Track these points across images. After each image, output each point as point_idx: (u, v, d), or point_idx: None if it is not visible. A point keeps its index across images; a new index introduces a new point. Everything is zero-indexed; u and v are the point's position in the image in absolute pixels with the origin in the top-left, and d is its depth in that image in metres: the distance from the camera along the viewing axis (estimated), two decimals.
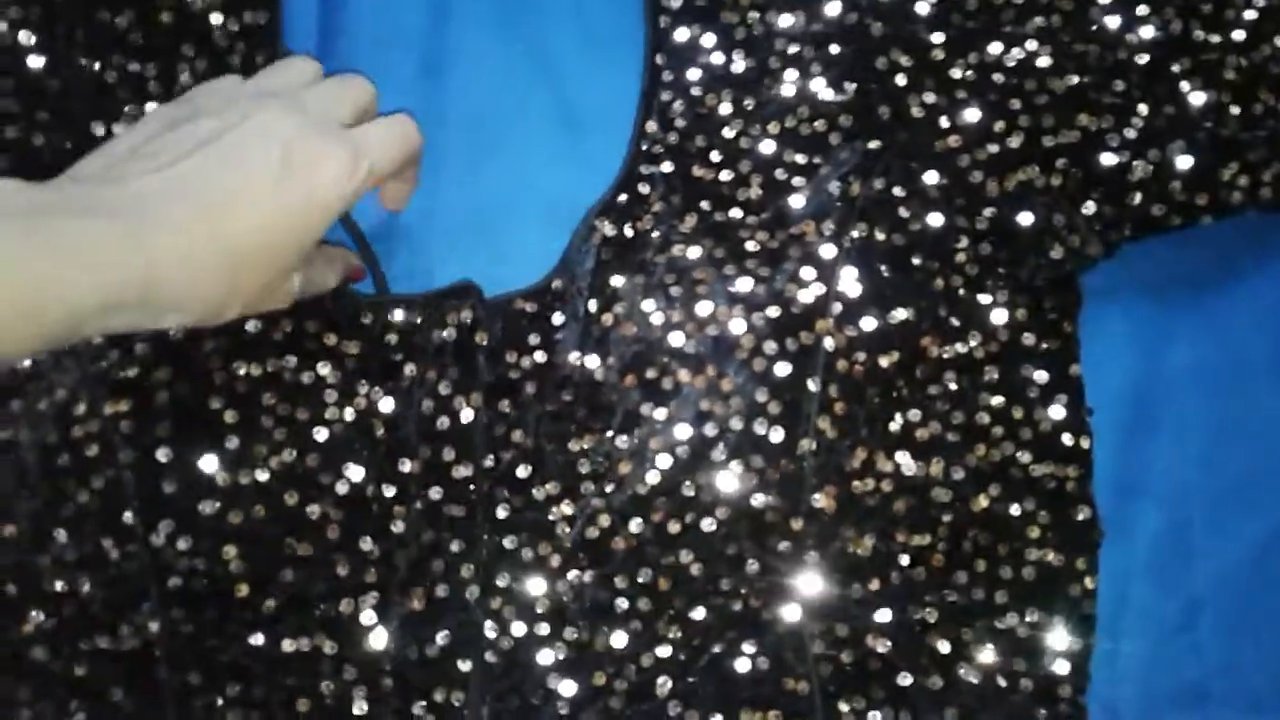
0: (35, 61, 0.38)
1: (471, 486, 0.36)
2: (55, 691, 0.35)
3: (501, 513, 0.36)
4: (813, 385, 0.36)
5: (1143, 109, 0.38)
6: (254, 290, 0.31)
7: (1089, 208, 0.38)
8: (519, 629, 0.35)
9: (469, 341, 0.36)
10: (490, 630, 0.35)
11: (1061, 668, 0.36)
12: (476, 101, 0.41)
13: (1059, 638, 0.36)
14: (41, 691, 0.35)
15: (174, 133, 0.31)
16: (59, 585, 0.35)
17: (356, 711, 0.35)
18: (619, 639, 0.35)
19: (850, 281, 0.37)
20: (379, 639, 0.35)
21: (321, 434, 0.35)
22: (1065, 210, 0.38)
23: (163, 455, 0.35)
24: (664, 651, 0.35)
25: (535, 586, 0.35)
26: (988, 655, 0.36)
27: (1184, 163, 0.37)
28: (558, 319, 0.37)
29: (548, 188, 0.40)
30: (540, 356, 0.37)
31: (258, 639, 0.34)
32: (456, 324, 0.37)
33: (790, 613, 0.36)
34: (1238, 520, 0.39)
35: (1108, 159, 0.37)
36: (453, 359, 0.36)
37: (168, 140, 0.31)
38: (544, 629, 0.35)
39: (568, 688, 0.35)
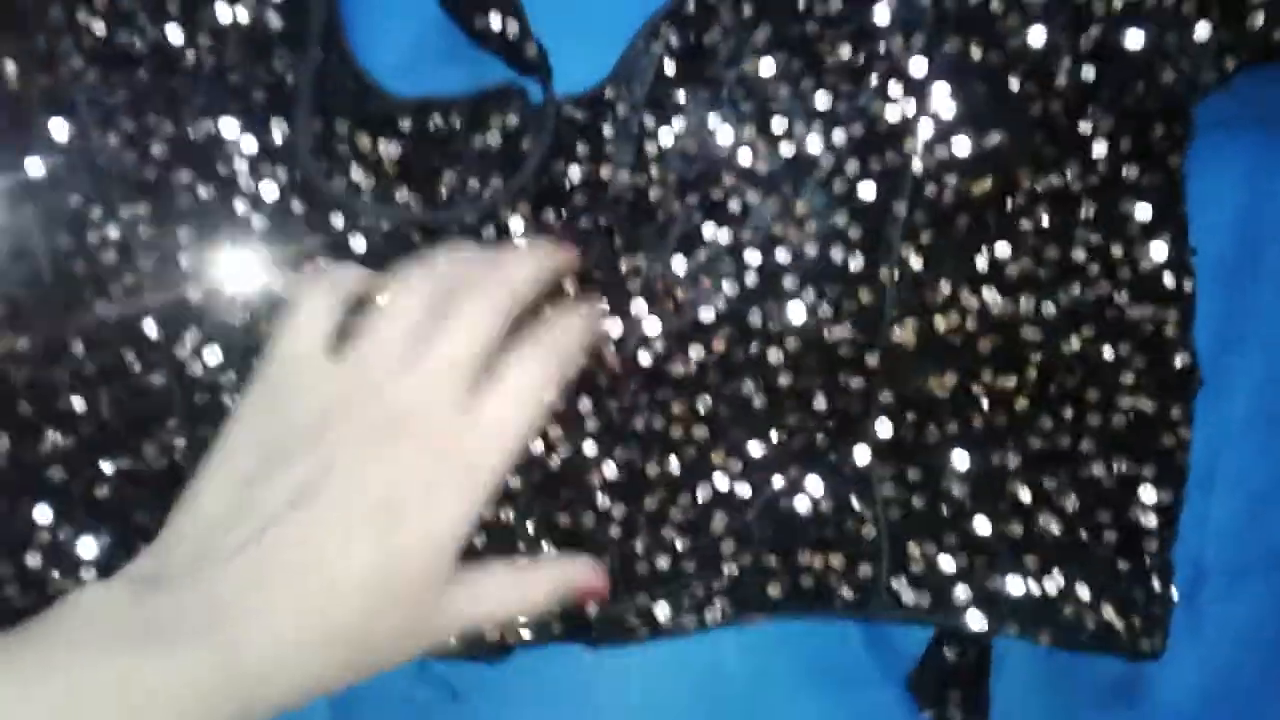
0: None
1: None
2: (75, 514, 0.34)
3: None
4: (899, 210, 0.34)
5: None
6: (372, 657, 0.28)
7: (1203, 30, 0.35)
8: (567, 448, 0.34)
9: (514, 148, 0.34)
10: (537, 447, 0.34)
11: (1149, 521, 0.35)
12: None
13: (1148, 490, 0.35)
14: (61, 514, 0.34)
15: (261, 488, 0.28)
16: (77, 403, 0.33)
17: None
18: (672, 465, 0.34)
19: (942, 100, 0.35)
20: None
21: (358, 243, 0.34)
22: (1178, 31, 0.35)
23: (185, 261, 0.33)
24: (721, 483, 0.34)
25: (583, 404, 0.34)
26: (1070, 505, 0.35)
27: None
28: (608, 130, 0.35)
29: (602, 2, 0.38)
30: (589, 168, 0.35)
31: None
32: (501, 129, 0.35)
33: (859, 454, 0.34)
34: None
35: None
36: (497, 166, 0.34)
37: (255, 499, 0.28)
38: (592, 449, 0.34)
39: (619, 510, 0.34)
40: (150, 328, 0.33)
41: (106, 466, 0.34)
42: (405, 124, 0.35)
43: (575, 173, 0.35)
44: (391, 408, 0.29)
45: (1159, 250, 0.35)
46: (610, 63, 0.37)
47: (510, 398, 0.30)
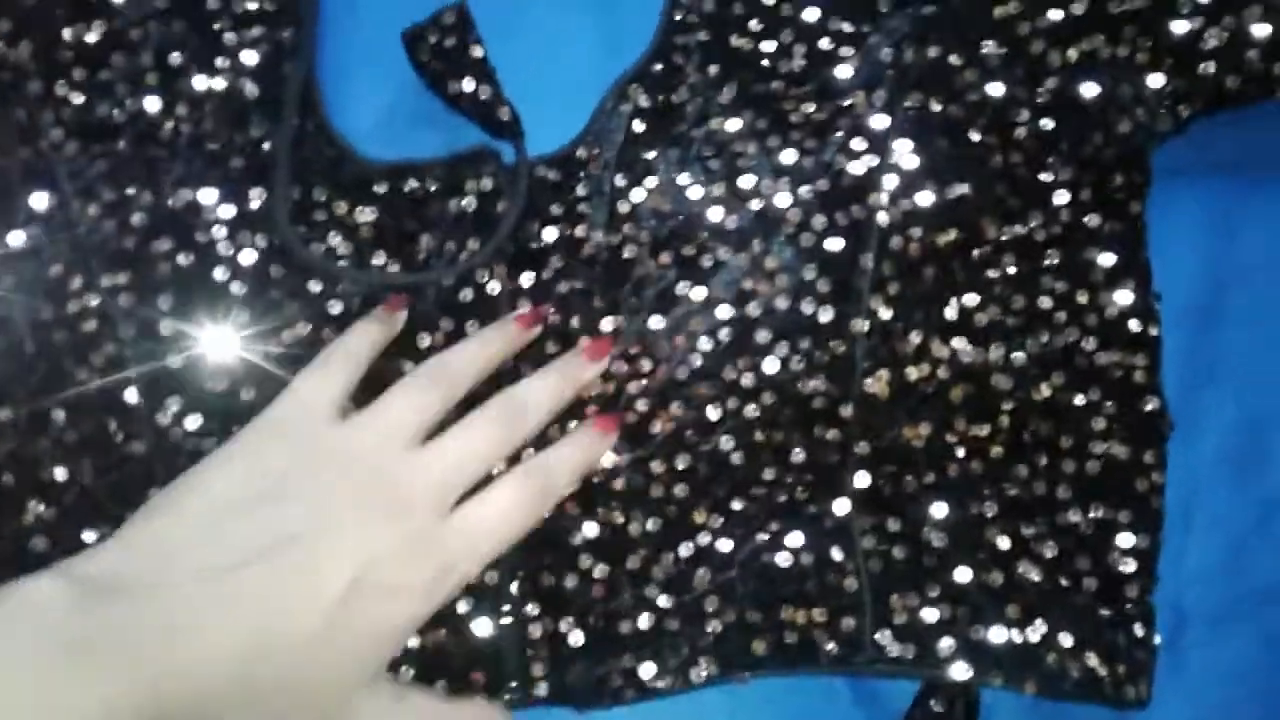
0: None
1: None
2: None
3: None
4: (866, 262, 0.35)
5: None
6: None
7: (1158, 79, 0.37)
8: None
9: (490, 210, 0.35)
10: None
11: (1127, 566, 0.36)
12: None
13: (1125, 535, 0.35)
14: None
15: (243, 520, 0.29)
16: (59, 473, 0.34)
17: None
18: (654, 524, 0.34)
19: (905, 154, 0.36)
20: None
21: (335, 307, 0.34)
22: (1132, 82, 0.37)
23: (166, 329, 0.34)
24: (703, 540, 0.35)
25: None
26: (1049, 552, 0.35)
27: (1260, 30, 0.36)
28: (581, 190, 0.36)
29: (572, 61, 0.39)
30: (564, 228, 0.36)
31: None
32: (476, 191, 0.36)
33: (839, 506, 0.35)
34: None
35: (1178, 26, 0.37)
36: (472, 228, 0.35)
37: (235, 530, 0.29)
38: (574, 508, 0.35)
39: (601, 570, 0.34)
40: (131, 396, 0.34)
41: (89, 536, 0.34)
42: (381, 188, 0.37)
43: (550, 233, 0.36)
44: (387, 486, 0.30)
45: (1124, 296, 0.37)
46: (581, 123, 0.38)
47: (494, 515, 0.31)
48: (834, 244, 0.35)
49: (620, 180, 0.36)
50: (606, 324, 0.35)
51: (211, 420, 0.34)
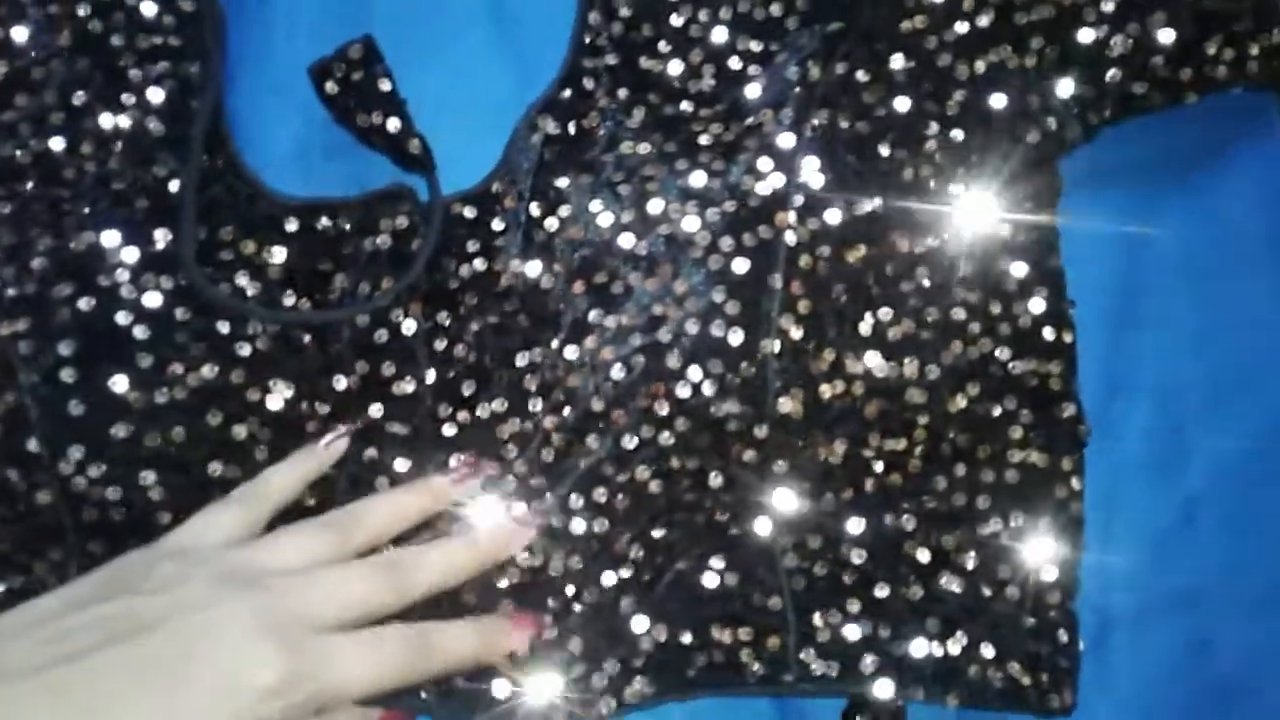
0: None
1: (415, 403, 0.35)
2: None
3: (448, 430, 0.35)
4: (774, 282, 0.35)
5: None
6: None
7: (1066, 88, 0.37)
8: None
9: (405, 248, 0.36)
10: None
11: (1049, 574, 0.36)
12: None
13: (1045, 543, 0.36)
14: None
15: (94, 613, 0.27)
16: None
17: None
18: (575, 561, 0.35)
19: (812, 172, 0.36)
20: None
21: (244, 348, 0.35)
22: (1040, 92, 0.37)
23: (67, 376, 0.34)
24: (625, 572, 0.35)
25: None
26: (970, 563, 0.36)
27: (1165, 36, 0.37)
28: (497, 224, 0.36)
29: (484, 88, 0.40)
30: (480, 264, 0.36)
31: None
32: (391, 230, 0.36)
33: (760, 526, 0.35)
34: (1234, 412, 0.39)
35: (1085, 35, 0.37)
36: (388, 267, 0.35)
37: (82, 622, 0.27)
38: None
39: (527, 606, 0.35)
40: (33, 445, 0.34)
41: None
42: (293, 226, 0.37)
43: (466, 269, 0.36)
44: (259, 588, 0.29)
45: (1036, 305, 0.37)
46: (495, 152, 0.38)
47: (371, 656, 0.30)
48: (741, 265, 0.35)
49: (535, 210, 0.36)
50: (521, 359, 0.35)
51: (115, 469, 0.34)
